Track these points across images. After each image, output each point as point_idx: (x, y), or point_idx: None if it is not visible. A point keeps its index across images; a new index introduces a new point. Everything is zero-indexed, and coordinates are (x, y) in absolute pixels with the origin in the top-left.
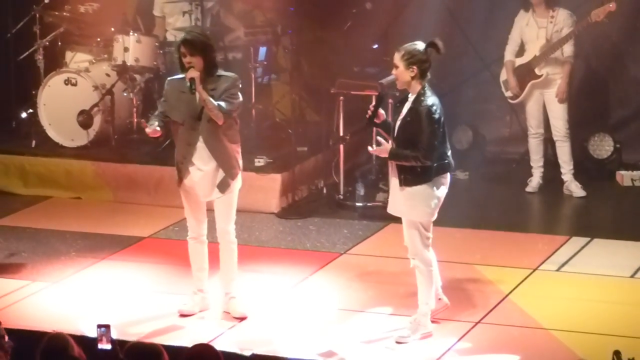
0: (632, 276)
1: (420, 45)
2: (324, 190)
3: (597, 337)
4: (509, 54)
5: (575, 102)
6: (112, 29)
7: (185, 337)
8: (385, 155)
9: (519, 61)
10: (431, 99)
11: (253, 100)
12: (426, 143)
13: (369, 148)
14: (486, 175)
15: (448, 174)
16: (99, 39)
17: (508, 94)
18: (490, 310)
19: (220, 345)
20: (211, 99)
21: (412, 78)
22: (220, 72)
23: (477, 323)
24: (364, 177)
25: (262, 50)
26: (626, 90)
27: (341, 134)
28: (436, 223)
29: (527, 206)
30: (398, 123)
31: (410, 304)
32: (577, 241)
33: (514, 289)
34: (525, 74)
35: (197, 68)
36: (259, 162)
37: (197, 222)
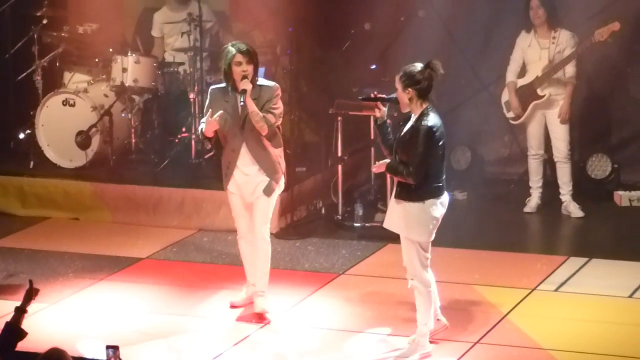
0: (630, 296)
1: (418, 66)
2: (323, 211)
3: (596, 357)
4: (510, 74)
5: (572, 123)
6: (111, 50)
7: (183, 358)
8: (383, 169)
9: (521, 82)
10: (433, 120)
11: None
12: (416, 162)
13: (372, 168)
14: (485, 196)
15: (446, 195)
16: (97, 60)
17: (510, 114)
18: (489, 331)
19: None
20: (258, 111)
21: (410, 100)
22: (261, 80)
23: (475, 343)
24: (362, 198)
25: (261, 70)
26: (624, 111)
27: (340, 154)
28: (435, 243)
29: (525, 226)
30: (398, 139)
31: (409, 325)
32: (576, 261)
33: (512, 309)
34: (527, 94)
35: (250, 77)
36: None
37: (245, 224)
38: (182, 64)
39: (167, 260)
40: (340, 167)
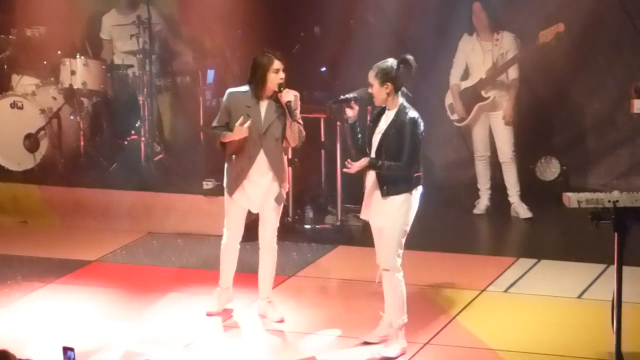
0: (578, 297)
1: (392, 62)
2: None
3: (544, 357)
4: (454, 77)
5: (521, 126)
6: (59, 53)
7: None
8: (364, 165)
9: (465, 84)
10: (414, 112)
11: (202, 123)
12: (408, 154)
13: (345, 169)
14: (434, 199)
15: (421, 187)
16: (45, 63)
17: (454, 117)
18: (439, 332)
19: None
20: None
21: (388, 94)
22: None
23: (425, 344)
24: (313, 200)
25: (211, 73)
26: (572, 114)
27: (290, 157)
28: None
29: (474, 228)
30: (379, 136)
31: (359, 326)
32: (525, 262)
33: (461, 310)
34: (471, 97)
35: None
36: (208, 185)
37: (237, 232)
38: (131, 66)
39: (116, 263)
40: (290, 169)
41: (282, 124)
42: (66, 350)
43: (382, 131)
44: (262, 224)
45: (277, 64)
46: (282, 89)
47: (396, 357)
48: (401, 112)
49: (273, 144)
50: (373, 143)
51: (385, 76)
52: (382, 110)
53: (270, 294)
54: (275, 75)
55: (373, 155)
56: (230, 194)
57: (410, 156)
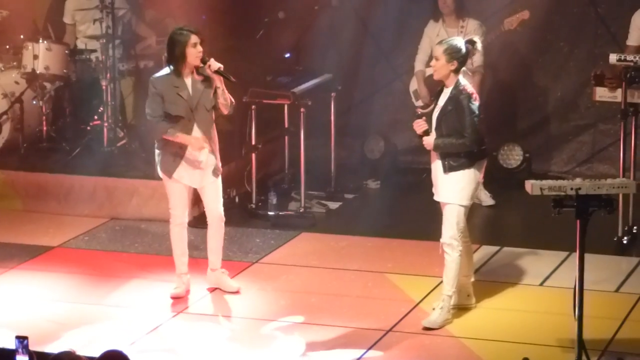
0: (541, 284)
1: (461, 41)
2: (236, 200)
3: (507, 344)
4: (419, 63)
5: (484, 112)
6: (22, 37)
7: (95, 347)
8: (430, 148)
9: (430, 71)
10: (470, 88)
11: None
12: (471, 130)
13: (415, 124)
14: (397, 185)
15: (485, 160)
16: (8, 47)
17: (419, 103)
18: (401, 319)
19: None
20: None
21: (451, 72)
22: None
23: (387, 331)
24: (276, 186)
25: None
26: (535, 101)
27: (253, 142)
28: (347, 232)
29: (437, 215)
30: (436, 114)
31: (321, 313)
32: (487, 250)
33: (424, 297)
34: (436, 83)
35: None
36: None
37: (183, 210)
38: (94, 51)
39: (79, 248)
40: (254, 155)
41: (210, 95)
42: (20, 339)
43: (440, 108)
44: (206, 200)
45: (194, 38)
46: (206, 59)
47: (436, 328)
48: (457, 88)
49: (205, 116)
50: (433, 120)
51: (455, 54)
52: (442, 88)
53: (221, 265)
54: (194, 49)
55: (433, 132)
56: (170, 175)
57: (473, 131)
